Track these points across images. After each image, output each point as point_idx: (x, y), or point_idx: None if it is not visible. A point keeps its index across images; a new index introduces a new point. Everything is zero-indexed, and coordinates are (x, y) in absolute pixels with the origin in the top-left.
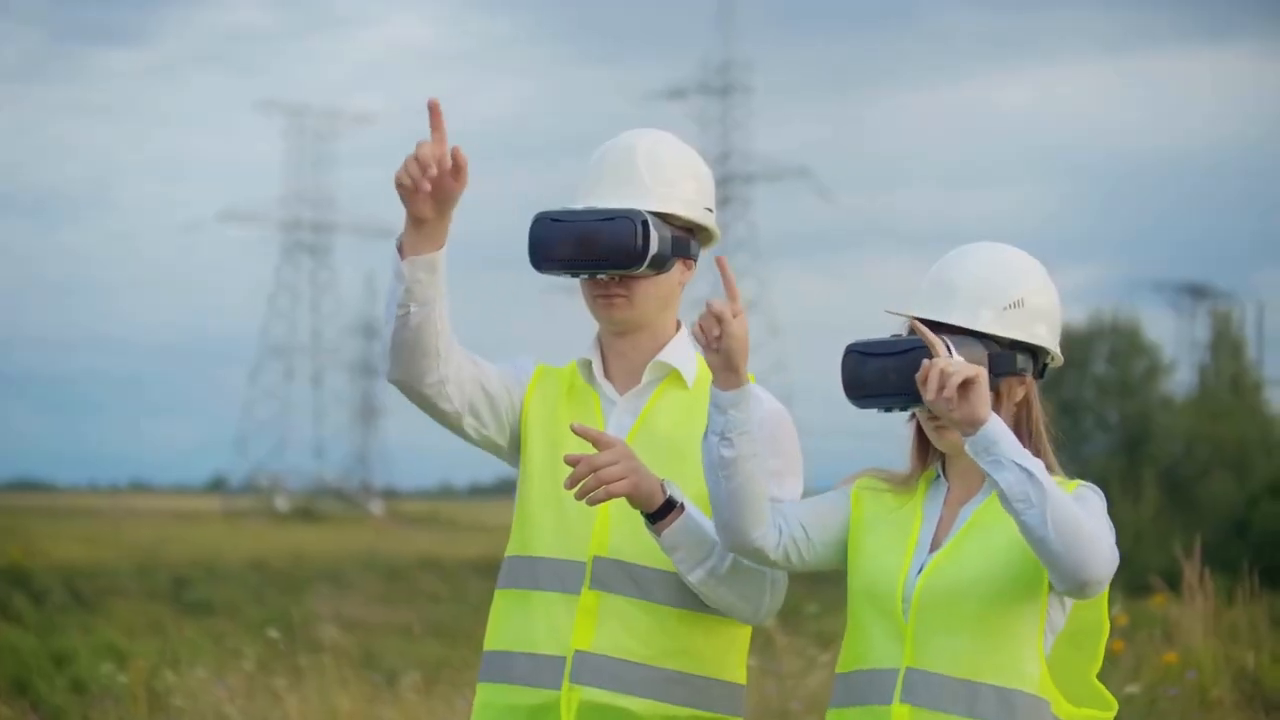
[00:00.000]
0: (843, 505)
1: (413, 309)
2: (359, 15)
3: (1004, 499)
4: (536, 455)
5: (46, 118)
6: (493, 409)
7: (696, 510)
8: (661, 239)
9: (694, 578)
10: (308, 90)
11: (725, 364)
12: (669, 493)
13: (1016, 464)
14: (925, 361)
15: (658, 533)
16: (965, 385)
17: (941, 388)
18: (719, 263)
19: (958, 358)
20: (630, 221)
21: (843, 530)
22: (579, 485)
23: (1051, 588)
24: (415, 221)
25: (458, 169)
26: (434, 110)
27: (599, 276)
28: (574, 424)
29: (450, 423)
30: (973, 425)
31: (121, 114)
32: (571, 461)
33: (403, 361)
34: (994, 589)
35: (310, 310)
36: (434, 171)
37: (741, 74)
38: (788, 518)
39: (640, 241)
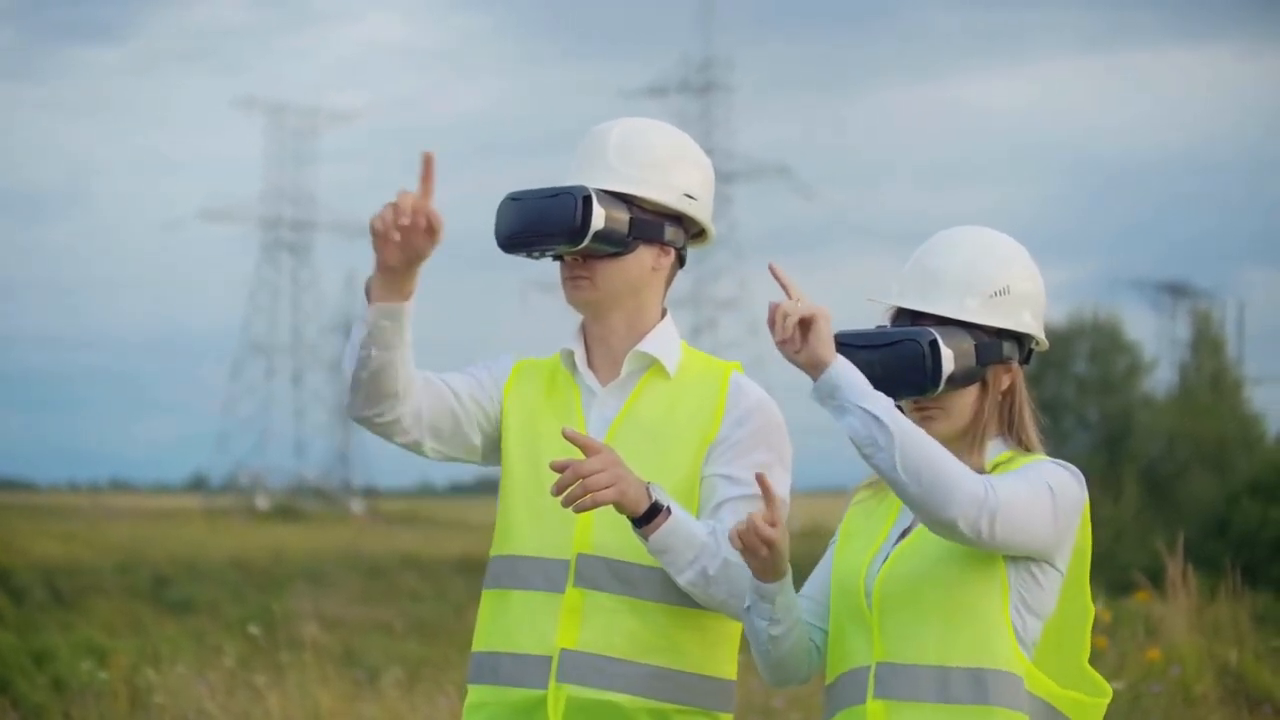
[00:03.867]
0: (829, 562)
1: (374, 352)
2: (338, 12)
3: (855, 445)
4: (515, 454)
5: (25, 116)
6: (457, 429)
7: (684, 512)
8: (611, 218)
9: (684, 579)
10: (287, 87)
11: (769, 570)
12: (655, 496)
13: (861, 408)
14: (770, 303)
15: (645, 536)
16: (805, 324)
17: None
18: (760, 481)
19: (804, 300)
20: (571, 197)
21: None
22: (565, 492)
23: (1008, 560)
24: (383, 268)
25: (431, 229)
26: (427, 163)
27: (549, 255)
28: (565, 429)
29: (409, 448)
30: (816, 368)
31: (101, 112)
32: (558, 468)
33: (360, 400)
34: (954, 572)
35: (291, 308)
36: (406, 221)
37: (722, 72)
38: (809, 630)
39: (580, 216)
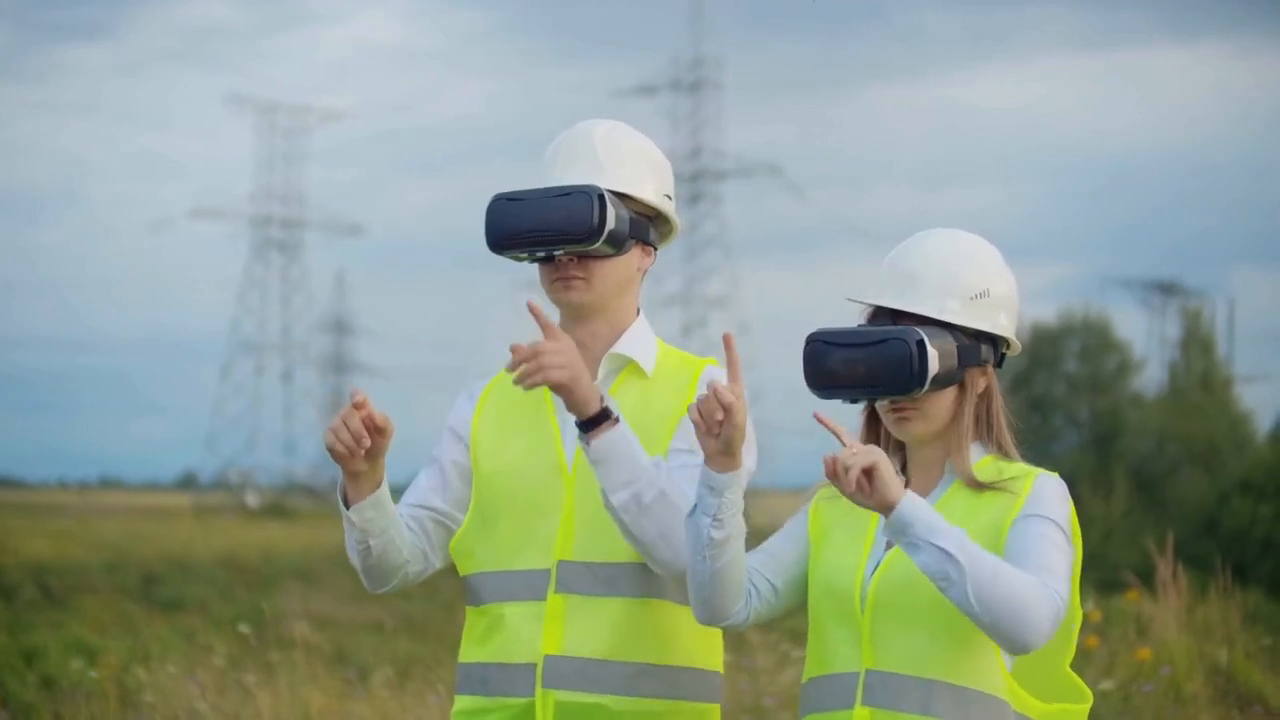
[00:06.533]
0: (801, 536)
1: (372, 543)
2: (329, 11)
3: (928, 577)
4: (488, 473)
5: (14, 115)
6: (451, 533)
7: (633, 435)
8: (619, 217)
9: (617, 499)
10: (278, 87)
11: (724, 450)
12: (607, 403)
13: (932, 544)
14: (824, 457)
15: (588, 441)
16: (868, 473)
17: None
18: (726, 341)
19: (855, 445)
20: (587, 196)
21: (804, 564)
22: (519, 370)
23: None
24: (352, 475)
25: (381, 431)
26: (356, 395)
27: (556, 254)
28: (528, 301)
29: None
30: (887, 509)
31: (91, 111)
32: (515, 349)
33: (377, 582)
34: None
35: (281, 306)
36: (368, 442)
37: (712, 71)
38: (753, 578)
39: (597, 215)
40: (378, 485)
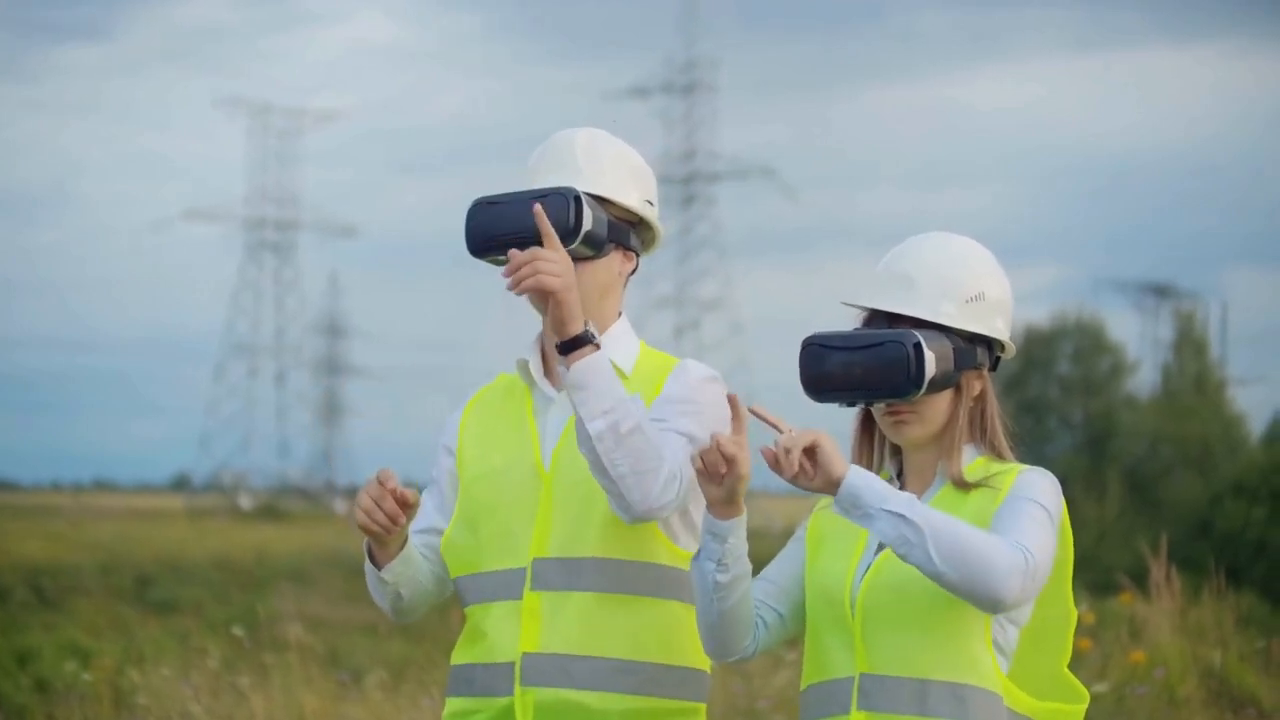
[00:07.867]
0: (799, 557)
1: (403, 592)
2: (324, 12)
3: (889, 546)
4: (470, 477)
5: (12, 115)
6: None
7: (610, 366)
8: (596, 219)
9: (594, 428)
10: (272, 88)
11: (728, 498)
12: (590, 328)
13: (885, 511)
14: (762, 449)
15: (568, 365)
16: (809, 452)
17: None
18: (731, 401)
19: (791, 430)
20: (563, 197)
21: (804, 585)
22: (516, 273)
23: None
24: (381, 544)
25: (407, 503)
26: (385, 477)
27: None
28: (535, 207)
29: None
30: (834, 486)
31: (89, 111)
32: (513, 254)
33: (406, 616)
34: (937, 586)
35: (274, 308)
36: (403, 521)
37: (706, 72)
38: (759, 609)
39: (573, 216)
40: (404, 543)
